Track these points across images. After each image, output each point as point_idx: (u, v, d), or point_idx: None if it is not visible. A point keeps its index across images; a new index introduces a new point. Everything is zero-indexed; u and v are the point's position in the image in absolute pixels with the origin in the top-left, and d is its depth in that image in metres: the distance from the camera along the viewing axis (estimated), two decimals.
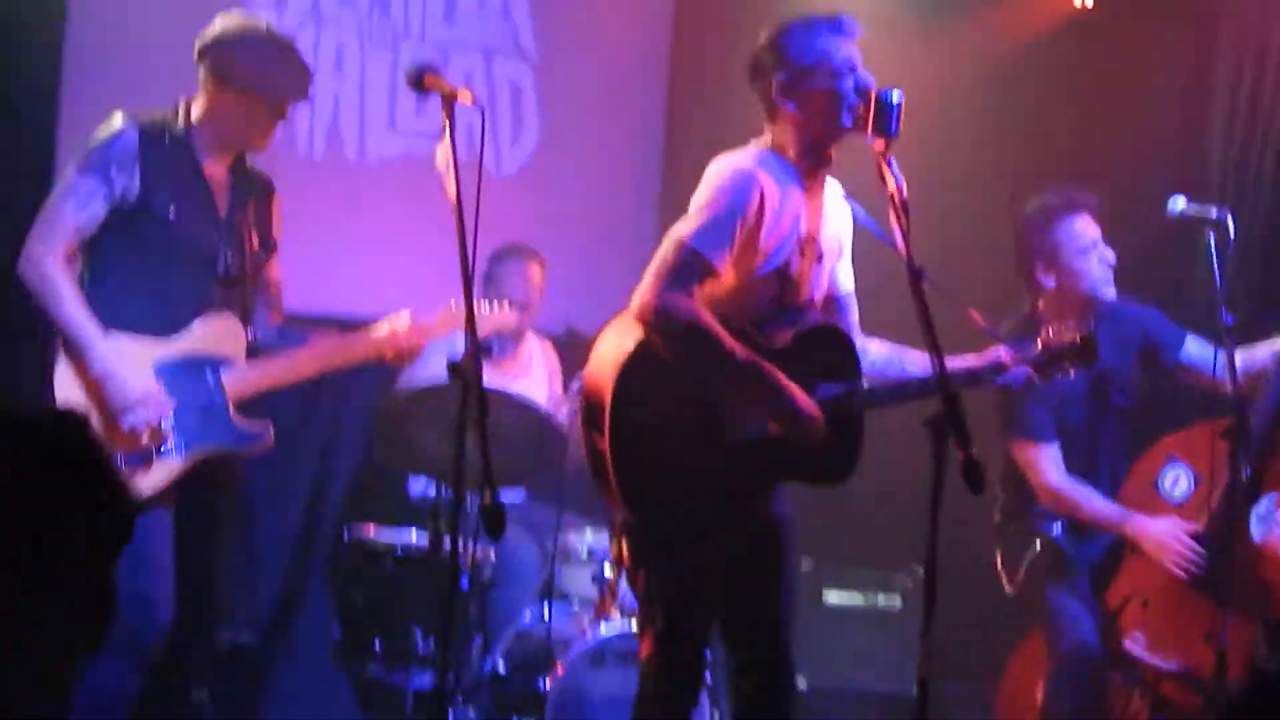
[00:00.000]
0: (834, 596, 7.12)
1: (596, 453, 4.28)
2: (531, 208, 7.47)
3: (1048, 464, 5.63)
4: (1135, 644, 5.43)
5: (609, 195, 7.88)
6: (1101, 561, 5.64)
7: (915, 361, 4.63)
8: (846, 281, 4.74)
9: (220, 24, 4.97)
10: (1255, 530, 5.22)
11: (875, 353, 4.72)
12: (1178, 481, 5.52)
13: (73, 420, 2.21)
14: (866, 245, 4.60)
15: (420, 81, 4.16)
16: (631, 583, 4.54)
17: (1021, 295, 5.75)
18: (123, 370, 4.70)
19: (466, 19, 7.61)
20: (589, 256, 7.56)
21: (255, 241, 5.01)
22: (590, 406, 4.32)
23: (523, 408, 5.89)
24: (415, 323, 5.12)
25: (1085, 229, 5.61)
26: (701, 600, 4.42)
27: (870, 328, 4.79)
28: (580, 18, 7.86)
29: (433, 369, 6.06)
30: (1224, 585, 5.11)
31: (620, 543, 4.48)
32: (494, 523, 3.76)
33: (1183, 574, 5.35)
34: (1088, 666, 5.44)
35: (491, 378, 6.22)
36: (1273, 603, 5.27)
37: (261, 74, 4.88)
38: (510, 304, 6.20)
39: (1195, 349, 5.68)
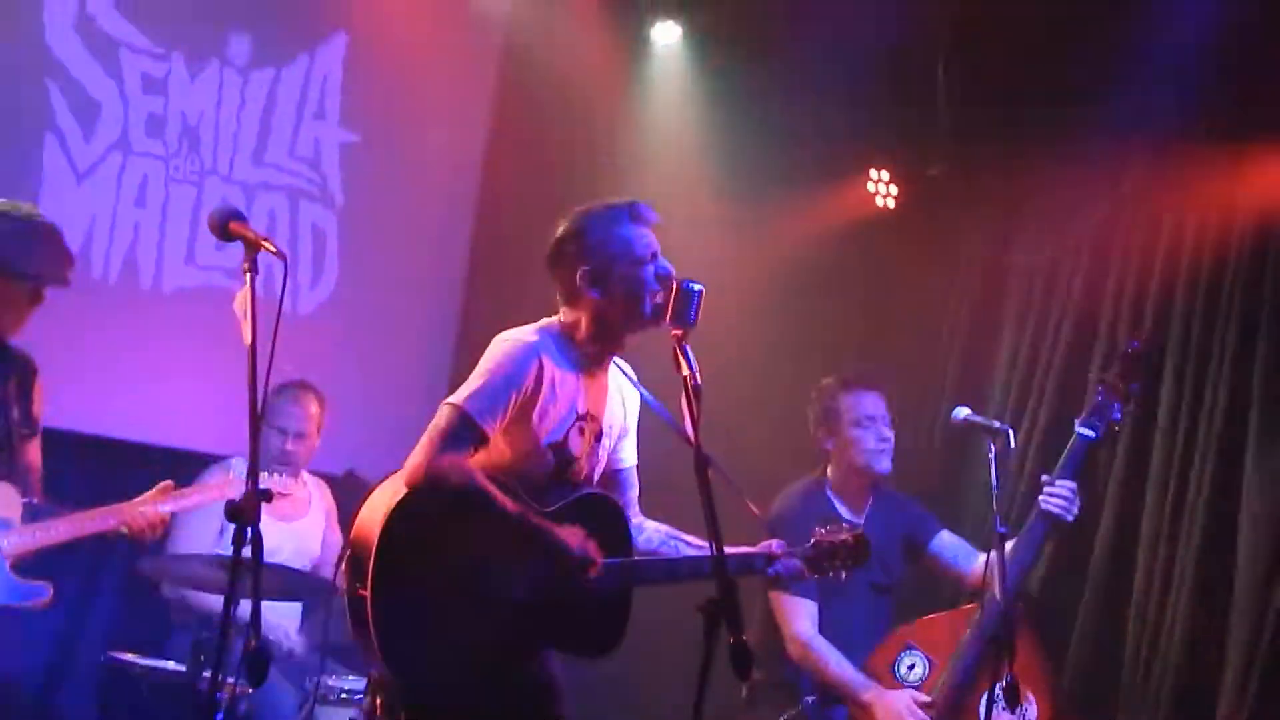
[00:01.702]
0: None
1: (357, 601, 4.29)
2: (325, 348, 7.54)
3: (802, 616, 5.86)
4: None
5: (403, 343, 7.95)
6: None
7: (691, 545, 4.73)
8: (629, 457, 4.83)
9: None
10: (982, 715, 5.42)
11: (652, 531, 4.81)
12: (914, 667, 5.76)
13: None
14: (653, 425, 4.71)
15: (225, 228, 4.22)
16: None
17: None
18: None
19: (275, 161, 7.69)
20: (377, 401, 7.62)
21: (16, 416, 5.05)
22: (355, 557, 4.33)
23: (285, 571, 5.98)
24: (176, 493, 5.20)
25: (869, 403, 5.93)
26: None
27: (652, 509, 4.90)
28: (389, 171, 7.95)
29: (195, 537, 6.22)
30: None
31: (375, 697, 4.52)
32: (256, 668, 3.79)
33: None
34: None
35: (270, 516, 6.35)
36: None
37: (17, 258, 4.95)
38: (285, 435, 6.33)
39: (948, 542, 5.99)
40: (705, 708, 3.92)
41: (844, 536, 4.83)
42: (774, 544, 4.78)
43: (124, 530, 5.15)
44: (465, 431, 4.36)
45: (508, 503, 4.34)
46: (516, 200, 7.87)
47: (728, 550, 4.46)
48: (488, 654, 4.38)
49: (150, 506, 5.14)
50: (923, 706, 5.61)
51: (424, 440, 4.35)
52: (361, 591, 4.27)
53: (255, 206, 7.52)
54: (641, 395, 4.76)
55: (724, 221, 7.70)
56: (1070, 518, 5.65)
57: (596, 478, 4.70)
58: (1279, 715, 6.10)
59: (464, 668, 4.36)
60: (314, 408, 6.74)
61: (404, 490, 4.33)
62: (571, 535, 4.39)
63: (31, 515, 5.04)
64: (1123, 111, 6.78)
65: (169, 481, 5.20)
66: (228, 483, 5.20)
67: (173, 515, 5.83)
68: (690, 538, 4.72)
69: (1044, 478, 5.72)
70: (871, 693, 5.71)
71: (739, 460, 4.63)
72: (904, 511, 6.08)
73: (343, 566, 4.41)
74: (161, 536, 5.51)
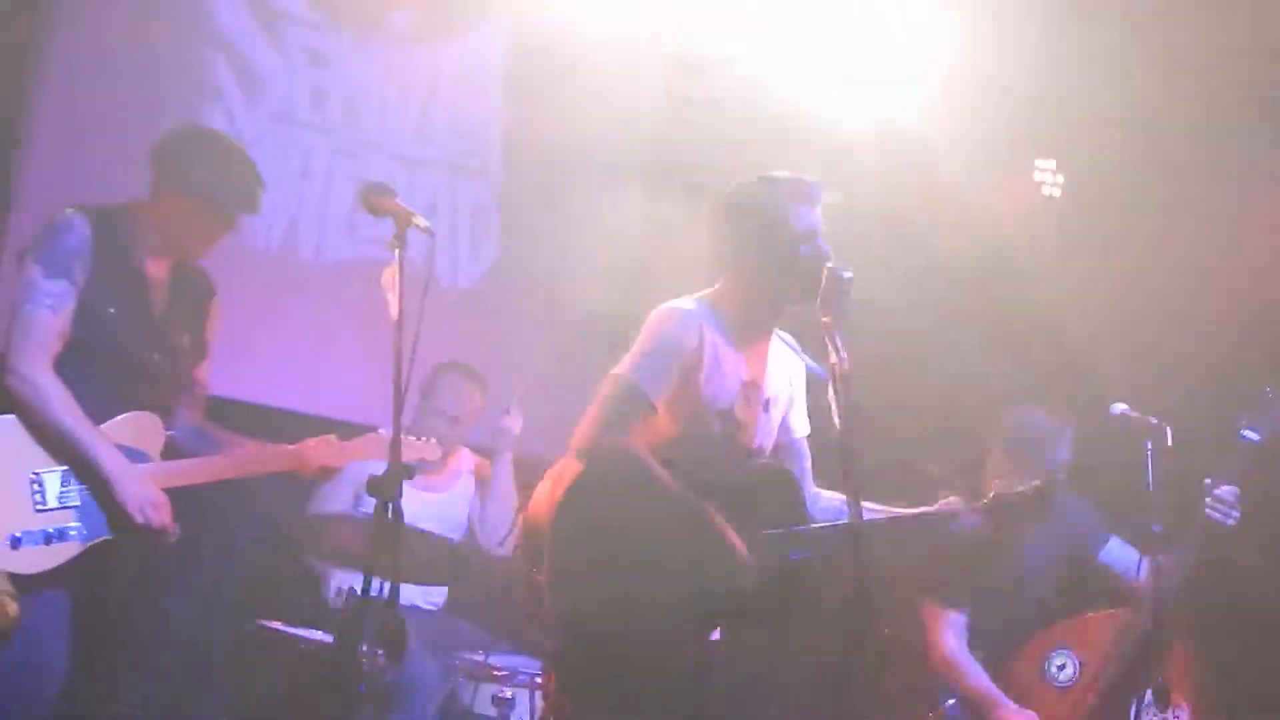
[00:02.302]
0: None
1: (534, 586, 4.31)
2: (485, 325, 7.57)
3: (948, 629, 5.76)
4: None
5: (566, 321, 7.92)
6: None
7: (870, 510, 4.52)
8: (799, 427, 4.79)
9: (176, 130, 5.02)
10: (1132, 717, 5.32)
11: (828, 500, 4.74)
12: (1064, 667, 5.65)
13: None
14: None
15: (375, 203, 4.27)
16: (559, 713, 4.56)
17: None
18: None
19: (436, 136, 7.73)
20: (542, 380, 7.61)
21: (186, 341, 5.03)
22: (530, 542, 4.36)
23: (434, 541, 6.00)
24: (337, 445, 5.16)
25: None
26: None
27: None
28: (550, 142, 7.94)
29: (343, 497, 6.22)
30: None
31: (551, 675, 4.52)
32: (395, 642, 3.82)
33: None
34: None
35: (413, 487, 6.38)
36: None
37: (212, 184, 4.90)
38: (442, 417, 6.34)
39: (1117, 550, 5.85)
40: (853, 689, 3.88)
41: (1023, 488, 4.69)
42: (954, 499, 4.68)
43: (296, 472, 5.12)
44: (631, 401, 4.35)
45: (672, 485, 4.32)
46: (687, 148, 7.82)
47: (906, 510, 4.44)
48: (661, 631, 4.36)
49: (325, 453, 5.12)
50: (1074, 707, 5.50)
51: (590, 411, 4.36)
52: (538, 576, 4.29)
53: (416, 182, 7.56)
54: (806, 365, 4.70)
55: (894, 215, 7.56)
56: (1230, 522, 5.50)
57: (769, 448, 4.66)
58: None
59: (638, 645, 4.34)
60: (474, 393, 6.75)
61: (573, 468, 4.33)
62: (728, 532, 4.34)
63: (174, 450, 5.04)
64: None
65: (332, 435, 5.18)
66: (384, 443, 5.18)
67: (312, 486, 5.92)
68: (872, 505, 4.55)
69: (1206, 482, 5.57)
70: (1000, 710, 5.61)
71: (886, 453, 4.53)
72: (1070, 519, 5.93)
73: (517, 548, 4.42)
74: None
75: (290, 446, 5.10)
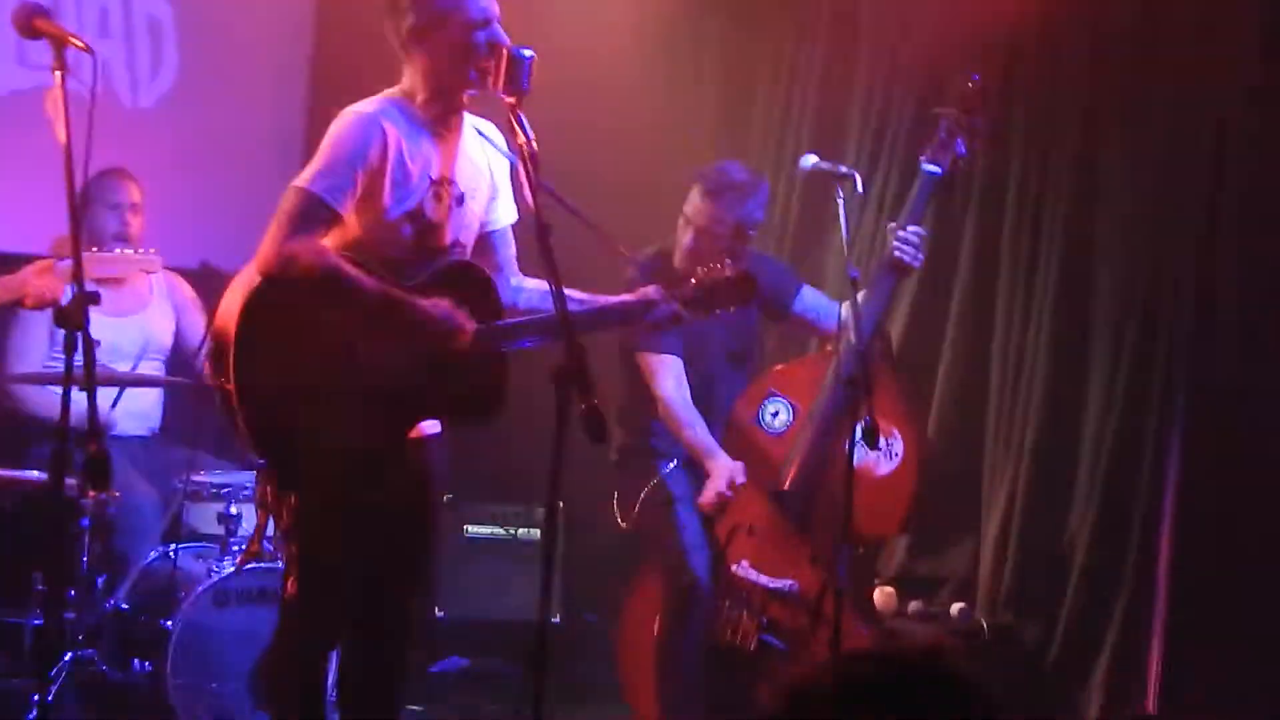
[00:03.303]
0: (474, 529, 7.23)
1: (224, 393, 4.27)
2: (169, 141, 7.41)
3: (664, 372, 5.85)
4: (743, 569, 5.70)
5: (250, 132, 7.80)
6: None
7: (574, 299, 4.53)
8: (503, 217, 4.75)
9: None
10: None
11: (531, 289, 4.73)
12: (777, 414, 5.80)
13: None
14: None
15: (30, 25, 4.13)
16: (276, 520, 4.56)
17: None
18: None
19: None
20: (228, 193, 7.48)
21: None
22: (216, 349, 4.30)
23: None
24: (57, 269, 5.03)
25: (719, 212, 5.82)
26: (340, 539, 4.42)
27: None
28: None
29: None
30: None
31: (265, 486, 4.51)
32: (98, 472, 3.79)
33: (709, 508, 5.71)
34: (697, 597, 5.69)
35: (103, 314, 6.26)
36: (871, 521, 5.55)
37: None
38: (119, 209, 6.46)
39: (810, 298, 5.97)
40: (569, 474, 3.95)
41: (727, 273, 4.70)
42: (650, 289, 4.69)
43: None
44: (314, 212, 4.28)
45: (366, 280, 4.28)
46: None
47: (606, 300, 4.50)
48: (363, 432, 4.37)
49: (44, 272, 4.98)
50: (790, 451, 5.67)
51: (272, 226, 4.28)
52: (226, 385, 4.25)
53: (85, 1, 7.31)
54: (503, 154, 4.67)
55: None
56: (917, 264, 5.64)
57: (470, 244, 4.64)
58: (1137, 458, 6.24)
59: (340, 450, 4.35)
60: (134, 189, 6.64)
61: (258, 279, 4.27)
62: (436, 306, 4.35)
63: None
64: None
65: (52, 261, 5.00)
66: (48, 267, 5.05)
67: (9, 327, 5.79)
68: (576, 292, 4.52)
69: (889, 225, 5.70)
70: (713, 461, 5.75)
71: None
72: (763, 272, 6.02)
73: (206, 360, 4.39)
74: None
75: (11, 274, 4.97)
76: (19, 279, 4.96)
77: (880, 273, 5.65)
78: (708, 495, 5.71)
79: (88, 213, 6.37)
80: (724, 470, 5.70)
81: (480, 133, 4.66)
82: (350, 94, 4.60)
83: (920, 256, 5.60)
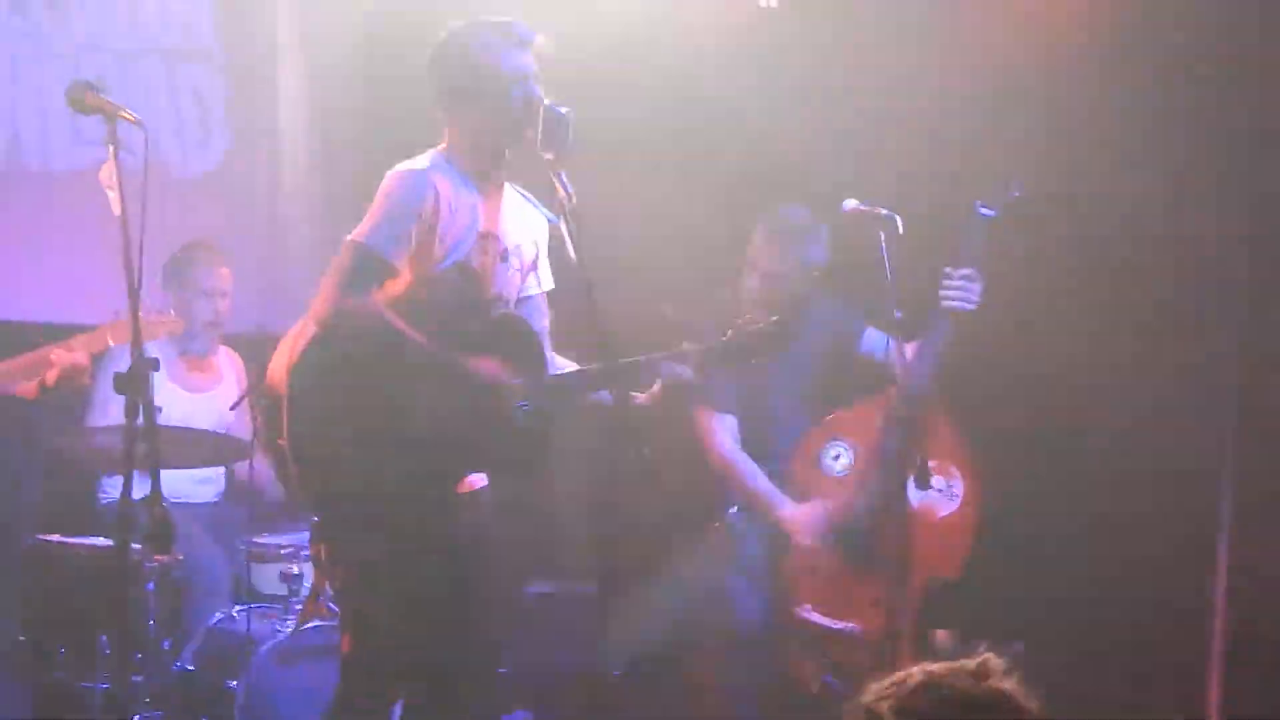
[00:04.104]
0: (534, 583, 7.24)
1: (277, 449, 4.32)
2: (220, 208, 7.51)
3: (721, 432, 5.90)
4: (806, 611, 5.71)
5: (302, 198, 7.89)
6: (774, 538, 5.87)
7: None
8: (541, 283, 4.82)
9: None
10: (911, 497, 5.47)
11: (560, 365, 4.77)
12: (838, 457, 5.82)
13: None
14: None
15: (82, 101, 4.20)
16: (330, 579, 4.59)
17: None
18: None
19: (147, 26, 7.56)
20: (278, 257, 7.58)
21: None
22: (269, 407, 4.37)
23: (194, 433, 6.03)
24: (75, 340, 5.06)
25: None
26: (392, 595, 4.45)
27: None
28: (269, 21, 7.85)
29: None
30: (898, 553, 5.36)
31: (319, 544, 4.55)
32: (161, 537, 3.83)
33: (822, 545, 5.70)
34: (758, 641, 5.72)
35: (180, 387, 6.34)
36: (932, 563, 5.60)
37: None
38: (199, 292, 6.34)
39: (875, 339, 6.02)
40: (627, 525, 3.96)
41: (760, 325, 4.71)
42: (686, 344, 4.72)
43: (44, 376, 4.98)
44: (369, 266, 4.34)
45: (417, 336, 4.32)
46: (410, 33, 7.72)
47: (646, 356, 4.52)
48: (414, 487, 4.40)
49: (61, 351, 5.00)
50: (837, 511, 5.70)
51: (327, 279, 4.33)
52: (280, 440, 4.28)
53: (130, 74, 7.41)
54: (546, 217, 4.71)
55: (610, 37, 7.51)
56: (969, 308, 5.63)
57: (512, 300, 4.68)
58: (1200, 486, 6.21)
59: (392, 505, 4.38)
60: (225, 270, 6.73)
61: (310, 333, 4.32)
62: (485, 365, 4.38)
63: None
64: None
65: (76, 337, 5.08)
66: (122, 327, 5.07)
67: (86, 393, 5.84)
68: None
69: (946, 270, 5.70)
70: (786, 508, 5.78)
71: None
72: (826, 314, 6.06)
73: (258, 419, 4.42)
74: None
75: (30, 355, 5.00)
76: (39, 356, 4.95)
77: (935, 317, 5.66)
78: (807, 538, 5.72)
79: (179, 295, 6.46)
80: (809, 514, 5.72)
81: (523, 195, 4.71)
82: (397, 155, 4.66)
83: (973, 299, 5.60)
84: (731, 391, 5.87)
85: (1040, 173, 5.99)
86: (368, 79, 8.04)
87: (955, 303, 5.59)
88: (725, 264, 6.04)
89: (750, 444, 5.95)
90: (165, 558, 5.64)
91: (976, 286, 5.61)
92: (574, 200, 4.22)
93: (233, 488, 6.76)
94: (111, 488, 6.46)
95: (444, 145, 4.58)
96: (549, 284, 4.82)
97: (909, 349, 5.63)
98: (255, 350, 6.87)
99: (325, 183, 7.95)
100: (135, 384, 3.96)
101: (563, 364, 4.76)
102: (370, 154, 7.84)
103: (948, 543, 5.67)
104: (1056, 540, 6.59)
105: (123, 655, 4.08)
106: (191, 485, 6.46)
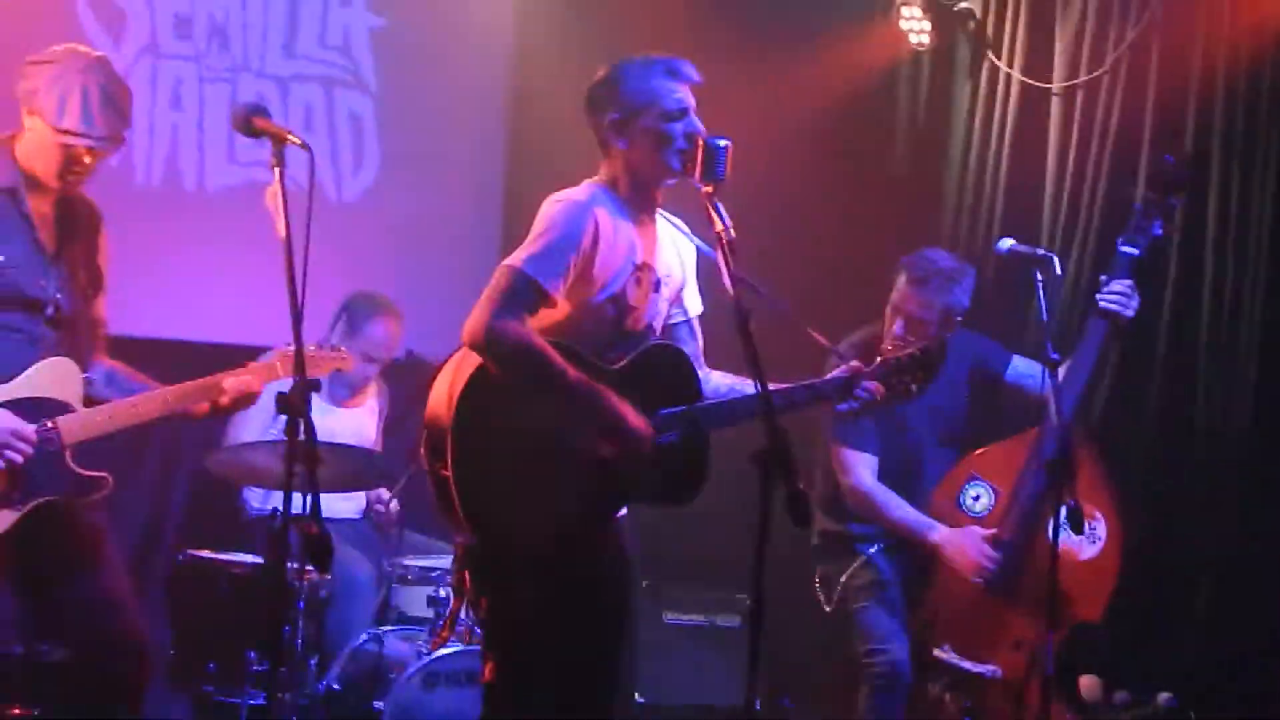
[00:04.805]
0: (672, 615, 7.26)
1: (440, 480, 4.32)
2: (371, 233, 7.61)
3: (861, 468, 5.88)
4: (946, 653, 5.67)
5: (451, 220, 7.99)
6: (914, 577, 5.87)
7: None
8: (692, 307, 4.82)
9: (46, 58, 4.74)
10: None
11: (718, 380, 4.77)
12: (979, 498, 5.78)
13: None
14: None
15: (248, 124, 4.25)
16: (474, 608, 4.61)
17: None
18: None
19: (306, 52, 7.72)
20: (428, 282, 7.67)
21: (83, 278, 4.87)
22: (432, 436, 4.36)
23: (347, 451, 6.13)
24: (251, 369, 5.09)
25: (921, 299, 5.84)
26: (541, 625, 4.44)
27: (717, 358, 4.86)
28: (419, 50, 7.98)
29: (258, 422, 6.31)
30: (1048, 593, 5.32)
31: (463, 570, 4.57)
32: (320, 552, 3.86)
33: (980, 579, 5.63)
34: (899, 682, 5.70)
35: (325, 401, 6.43)
36: (1074, 606, 5.53)
37: (79, 120, 4.66)
38: (373, 362, 6.58)
39: (1023, 366, 5.98)
40: (769, 559, 3.96)
41: (911, 350, 4.73)
42: (842, 370, 4.72)
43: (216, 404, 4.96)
44: (525, 292, 4.33)
45: (568, 368, 4.32)
46: (551, 66, 7.82)
47: (795, 384, 4.53)
48: (572, 513, 4.41)
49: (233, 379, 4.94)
50: (990, 539, 5.65)
51: (482, 299, 4.32)
52: (444, 472, 4.30)
53: (291, 99, 7.56)
54: (697, 246, 4.74)
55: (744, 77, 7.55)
56: (1129, 313, 5.56)
57: (659, 329, 4.70)
58: None
59: (553, 535, 4.38)
60: (397, 329, 6.82)
61: (469, 367, 4.33)
62: (628, 409, 4.41)
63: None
64: None
65: (248, 364, 5.02)
66: (281, 360, 5.09)
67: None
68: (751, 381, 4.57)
69: (1102, 278, 5.65)
70: (938, 533, 5.76)
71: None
72: (971, 346, 6.03)
73: (421, 449, 4.44)
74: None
75: (208, 379, 4.99)
76: (213, 381, 4.93)
77: (1090, 328, 5.60)
78: (970, 567, 5.68)
79: (348, 343, 6.42)
80: (964, 539, 5.71)
81: (670, 220, 4.74)
82: (544, 179, 4.70)
83: (1132, 306, 5.56)
84: (870, 430, 5.86)
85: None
86: (516, 102, 8.14)
87: (1113, 305, 5.55)
88: (874, 295, 6.02)
89: (889, 484, 5.92)
90: (324, 575, 5.72)
91: (1136, 300, 5.57)
92: (731, 232, 4.23)
93: (371, 505, 6.87)
94: (255, 501, 6.57)
95: (602, 176, 4.60)
96: (698, 307, 4.84)
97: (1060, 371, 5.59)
98: (401, 374, 7.00)
99: (473, 208, 8.04)
100: (297, 405, 4.00)
101: (718, 381, 4.76)
102: (516, 181, 8.00)
103: (1090, 585, 5.59)
104: (1207, 584, 6.53)
105: (273, 672, 4.07)
106: (336, 501, 6.52)
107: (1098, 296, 5.59)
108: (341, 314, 6.66)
